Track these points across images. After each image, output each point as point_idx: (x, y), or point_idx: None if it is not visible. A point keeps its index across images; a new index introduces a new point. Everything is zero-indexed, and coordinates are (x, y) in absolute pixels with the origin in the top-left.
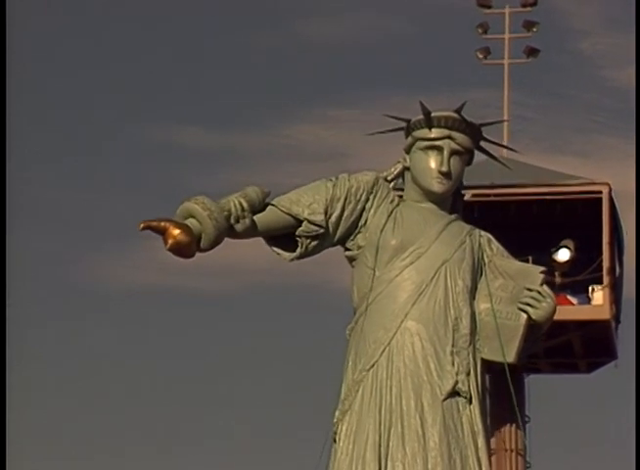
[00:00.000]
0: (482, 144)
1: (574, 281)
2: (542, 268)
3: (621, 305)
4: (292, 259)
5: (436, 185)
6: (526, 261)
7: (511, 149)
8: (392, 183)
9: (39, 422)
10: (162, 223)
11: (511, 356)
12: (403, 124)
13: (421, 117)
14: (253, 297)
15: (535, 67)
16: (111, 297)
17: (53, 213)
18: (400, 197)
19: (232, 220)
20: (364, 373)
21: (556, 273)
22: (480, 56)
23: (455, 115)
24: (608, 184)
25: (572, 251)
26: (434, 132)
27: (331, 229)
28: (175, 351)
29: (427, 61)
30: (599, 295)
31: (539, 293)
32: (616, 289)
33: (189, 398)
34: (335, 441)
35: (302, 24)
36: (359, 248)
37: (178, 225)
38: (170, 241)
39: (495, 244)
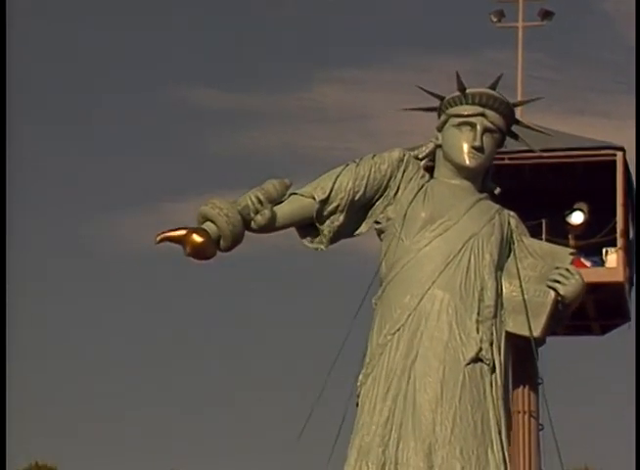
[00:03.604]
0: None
1: (588, 244)
2: (572, 250)
3: (635, 267)
4: (325, 248)
5: (469, 160)
6: (540, 225)
7: (543, 132)
8: (423, 162)
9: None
10: (178, 232)
11: (537, 331)
12: (435, 103)
13: (454, 94)
14: None
15: (554, 29)
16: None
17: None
18: (431, 175)
19: (251, 214)
20: (389, 337)
21: (570, 236)
22: (494, 19)
23: (490, 91)
24: (622, 148)
25: (586, 213)
26: (468, 109)
27: (356, 204)
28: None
29: (441, 22)
30: (612, 257)
31: (568, 270)
32: (629, 251)
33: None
34: (357, 405)
35: None
36: (388, 220)
37: (193, 230)
38: (188, 247)
39: (522, 225)
